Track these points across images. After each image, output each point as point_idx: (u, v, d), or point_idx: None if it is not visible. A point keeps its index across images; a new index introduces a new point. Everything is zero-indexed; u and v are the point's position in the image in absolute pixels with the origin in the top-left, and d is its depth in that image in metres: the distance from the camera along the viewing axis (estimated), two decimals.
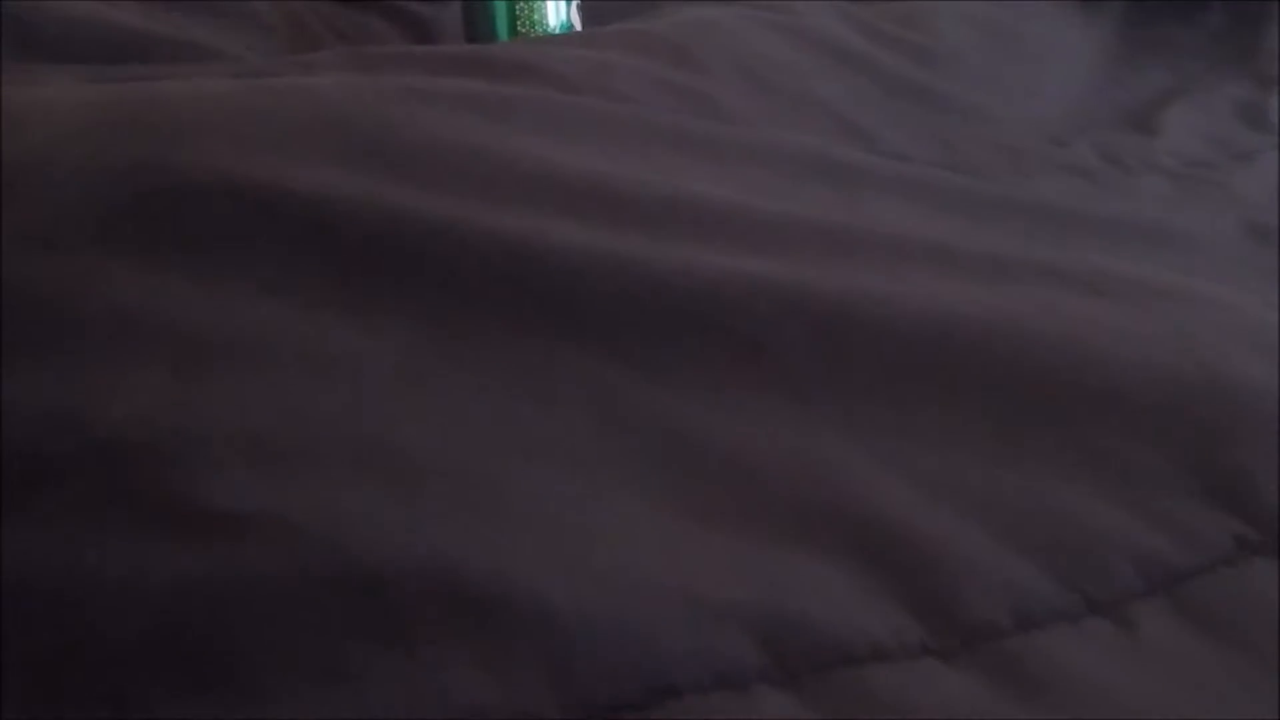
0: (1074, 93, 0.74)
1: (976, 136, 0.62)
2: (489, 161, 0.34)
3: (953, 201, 0.49)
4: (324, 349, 0.27)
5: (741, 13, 0.60)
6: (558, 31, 0.67)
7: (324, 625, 0.21)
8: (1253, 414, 0.31)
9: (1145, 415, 0.31)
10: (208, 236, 0.29)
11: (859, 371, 0.30)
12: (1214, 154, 0.68)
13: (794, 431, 0.28)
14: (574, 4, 0.69)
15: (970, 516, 0.27)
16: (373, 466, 0.24)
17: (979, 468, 0.29)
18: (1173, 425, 0.31)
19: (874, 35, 0.64)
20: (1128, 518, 0.28)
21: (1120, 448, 0.30)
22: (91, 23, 0.52)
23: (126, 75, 0.43)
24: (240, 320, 0.27)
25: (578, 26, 0.69)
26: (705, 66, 0.53)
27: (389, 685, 0.21)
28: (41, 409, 0.25)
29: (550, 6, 0.67)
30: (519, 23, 0.67)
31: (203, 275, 0.28)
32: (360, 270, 0.29)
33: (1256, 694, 0.24)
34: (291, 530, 0.22)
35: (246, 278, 0.28)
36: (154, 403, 0.25)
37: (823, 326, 0.30)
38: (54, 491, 0.24)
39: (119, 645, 0.21)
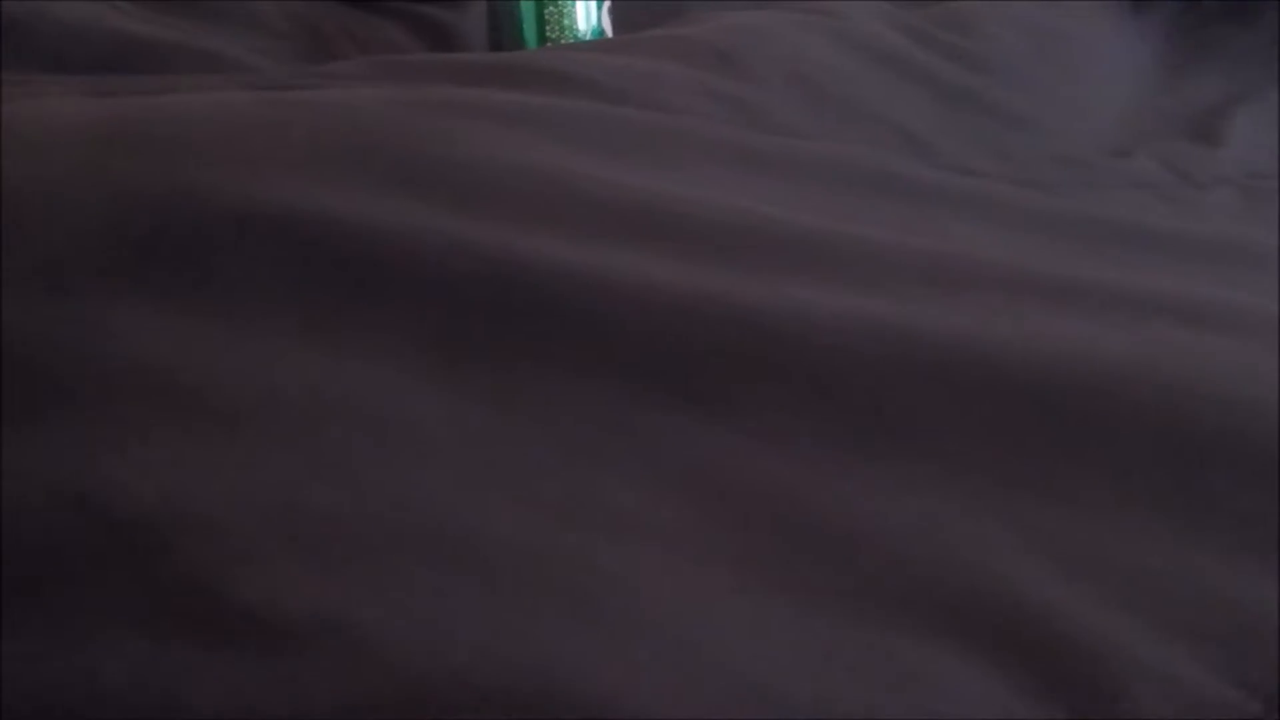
0: (1126, 100, 0.70)
1: (1035, 147, 0.59)
2: (547, 184, 0.31)
3: (1027, 220, 0.46)
4: (377, 410, 0.23)
5: (786, 17, 0.56)
6: (588, 36, 0.64)
7: None
8: None
9: None
10: (237, 275, 0.26)
11: (984, 429, 0.26)
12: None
13: (918, 502, 0.25)
14: (605, 7, 0.65)
15: (1122, 599, 0.23)
16: (439, 557, 0.21)
17: (1124, 540, 0.25)
18: None
19: (920, 39, 0.60)
20: None
21: (1272, 511, 0.26)
22: (93, 28, 0.48)
23: (134, 87, 0.39)
24: (279, 376, 0.24)
25: (609, 31, 0.65)
26: (754, 74, 0.49)
27: None
28: (48, 484, 0.21)
29: (580, 10, 0.63)
30: (548, 28, 0.63)
31: (234, 321, 0.25)
32: (416, 315, 0.26)
33: None
34: (350, 640, 0.19)
35: (285, 324, 0.25)
36: (181, 476, 0.21)
37: (941, 377, 0.26)
38: (64, 586, 0.20)
39: None
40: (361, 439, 0.22)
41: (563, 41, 0.63)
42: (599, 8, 0.64)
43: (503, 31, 0.64)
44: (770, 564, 0.23)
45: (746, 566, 0.22)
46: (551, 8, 0.63)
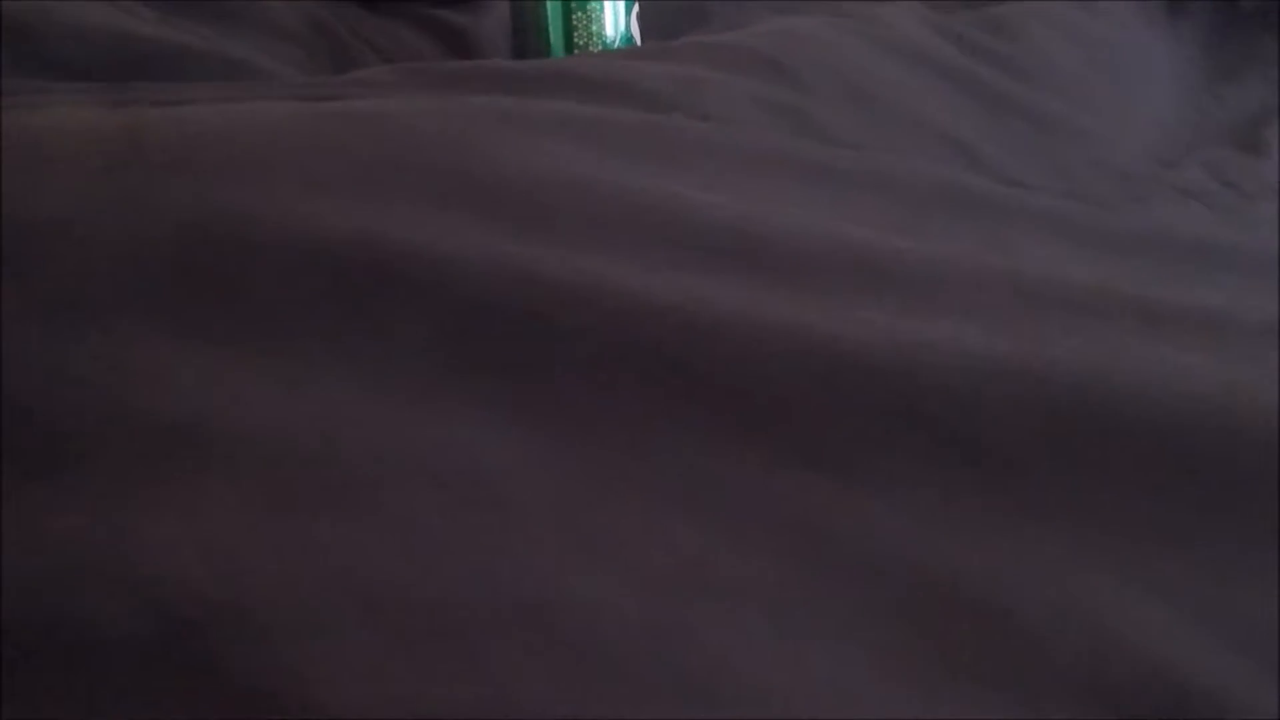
0: (1168, 107, 0.68)
1: (1085, 158, 0.56)
2: (616, 204, 0.28)
3: (1097, 238, 0.43)
4: (457, 470, 0.20)
5: (830, 23, 0.53)
6: (617, 43, 0.61)
7: None
8: None
9: None
10: (284, 313, 0.23)
11: (1115, 475, 0.23)
12: None
13: (1044, 561, 0.22)
14: (634, 13, 0.62)
15: (1243, 647, 0.21)
16: (538, 640, 0.18)
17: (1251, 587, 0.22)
18: None
19: (962, 45, 0.58)
20: None
21: None
22: (101, 31, 0.45)
23: (154, 95, 0.36)
24: (336, 429, 0.21)
25: (637, 37, 0.62)
26: (802, 82, 0.46)
27: None
28: (75, 559, 0.18)
29: (609, 15, 0.60)
30: (576, 34, 0.60)
31: (282, 366, 0.22)
32: (487, 358, 0.23)
33: None
34: None
35: (344, 368, 0.22)
36: (236, 555, 0.18)
37: (1067, 421, 0.24)
38: (97, 681, 0.17)
39: None
40: (443, 505, 0.19)
41: (591, 48, 0.60)
42: (627, 12, 0.61)
43: (526, 37, 0.62)
44: (893, 633, 0.20)
45: (869, 637, 0.20)
46: (580, 13, 0.60)
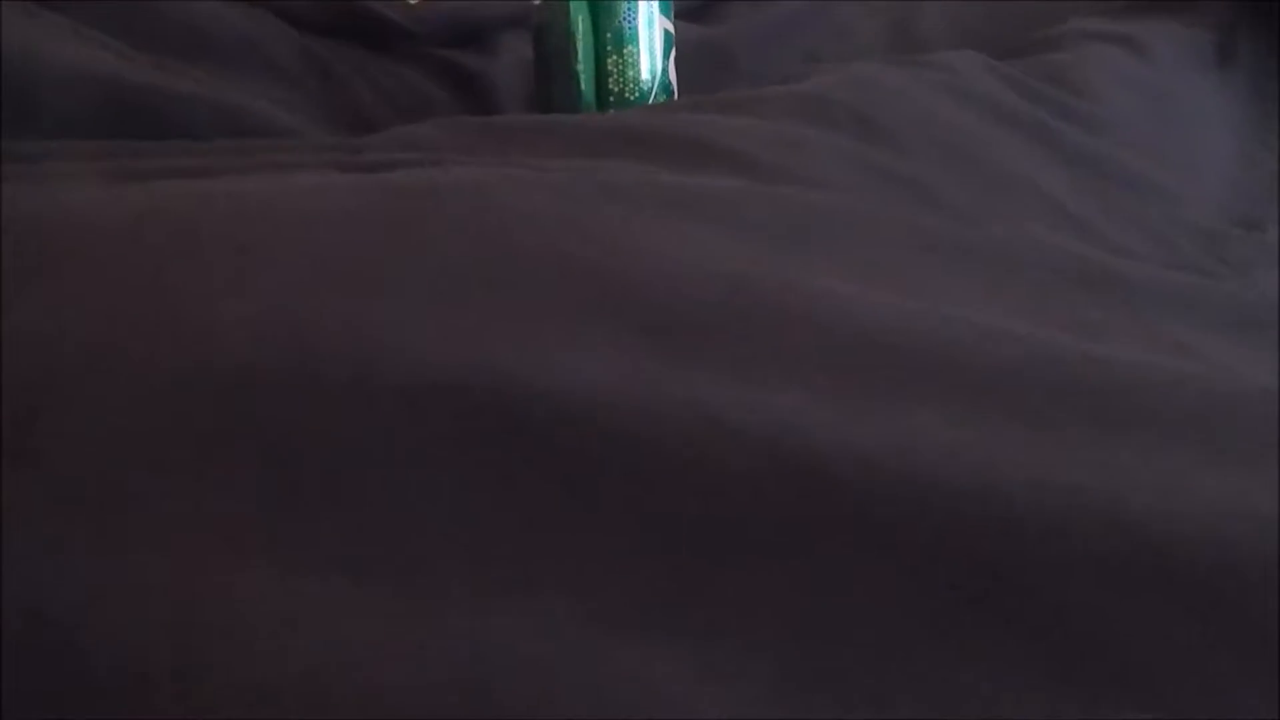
0: (1229, 157, 0.63)
1: (1168, 217, 0.51)
2: (777, 309, 0.22)
3: (1221, 319, 0.38)
4: (636, 693, 0.14)
5: (901, 72, 0.48)
6: (653, 89, 0.55)
7: None
8: None
9: None
10: (400, 488, 0.16)
11: None
12: None
13: None
14: (671, 58, 0.56)
15: None
16: None
17: None
18: None
19: (1033, 97, 0.53)
20: None
21: None
22: (96, 80, 0.38)
23: (168, 162, 0.29)
24: (491, 656, 0.14)
25: (673, 81, 0.57)
26: (897, 140, 0.40)
27: None
28: None
29: (644, 60, 0.55)
30: (610, 79, 0.54)
31: (411, 594, 0.15)
32: (668, 536, 0.16)
33: None
34: None
35: (477, 580, 0.15)
36: None
37: None
38: None
39: None
40: None
41: (626, 95, 0.54)
42: (665, 57, 0.56)
43: (553, 84, 0.56)
44: None
45: None
46: (615, 58, 0.54)
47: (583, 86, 0.54)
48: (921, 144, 0.41)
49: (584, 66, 0.54)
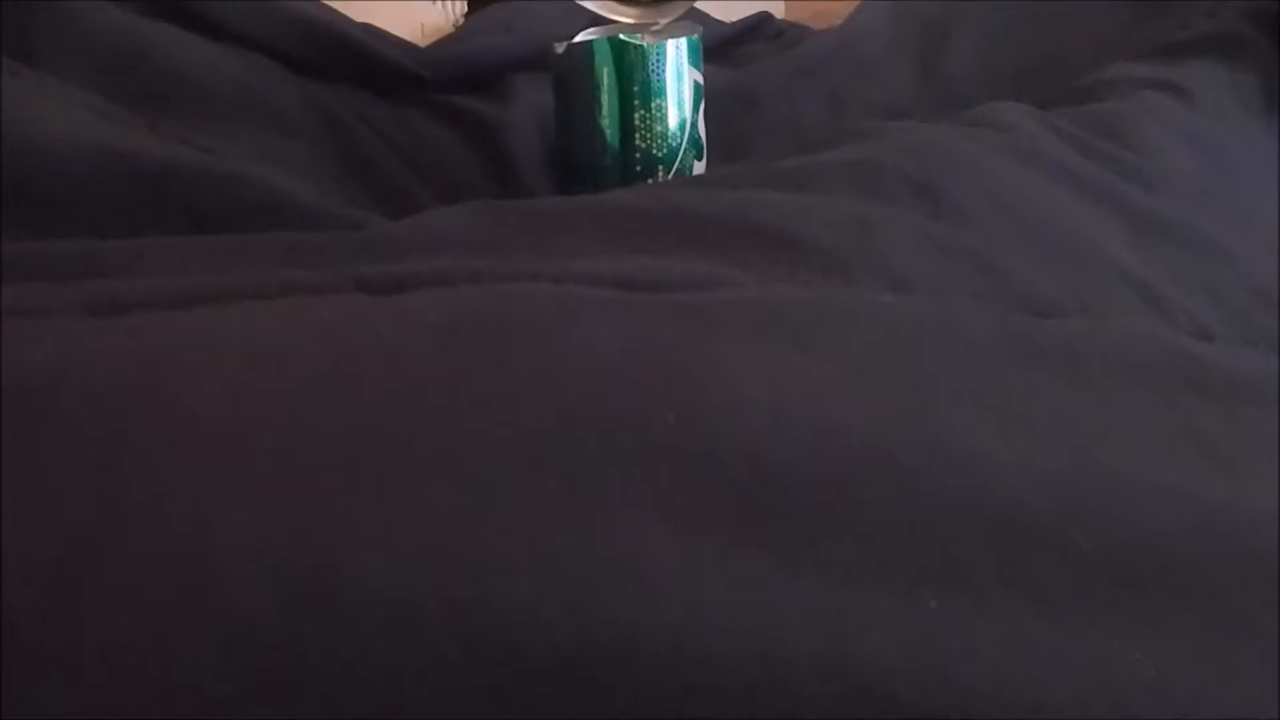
0: (1273, 214, 0.59)
1: (1236, 283, 0.47)
2: (900, 476, 0.18)
3: None
4: None
5: (954, 131, 0.44)
6: (680, 140, 0.51)
7: None
8: None
9: None
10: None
11: None
12: None
13: None
14: (700, 110, 0.52)
15: None
16: None
17: None
18: None
19: (1091, 154, 0.49)
20: None
21: None
22: (99, 154, 0.34)
23: (166, 282, 0.24)
24: None
25: (702, 135, 0.52)
26: (966, 214, 0.36)
27: None
28: None
29: (672, 113, 0.50)
30: (637, 134, 0.50)
31: None
32: None
33: None
34: None
35: None
36: None
37: None
38: None
39: None
40: None
41: (654, 150, 0.50)
42: (694, 109, 0.51)
43: (575, 138, 0.51)
44: None
45: None
46: (642, 111, 0.50)
47: (608, 142, 0.50)
48: (989, 216, 0.37)
49: (609, 121, 0.50)
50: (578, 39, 0.52)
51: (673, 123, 0.50)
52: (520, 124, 0.60)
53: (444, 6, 0.69)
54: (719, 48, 0.75)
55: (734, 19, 0.83)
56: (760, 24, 0.80)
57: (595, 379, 0.18)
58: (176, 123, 0.48)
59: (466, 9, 0.71)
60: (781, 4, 1.09)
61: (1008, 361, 0.27)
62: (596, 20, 0.55)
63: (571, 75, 0.51)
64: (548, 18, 0.67)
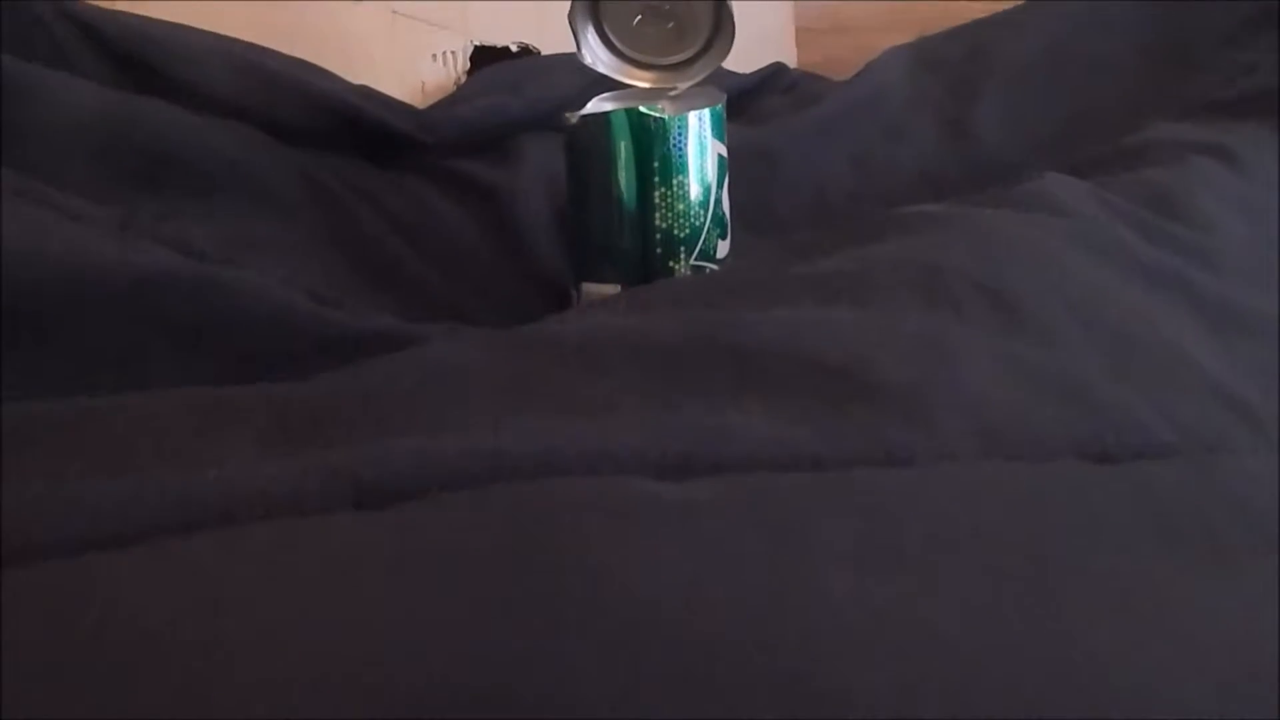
0: None
1: None
2: None
3: None
4: None
5: (1014, 218, 0.39)
6: (703, 220, 0.46)
7: None
8: None
9: None
10: None
11: None
12: None
13: None
14: (725, 186, 0.48)
15: None
16: None
17: None
18: None
19: (1152, 235, 0.44)
20: None
21: None
22: (58, 267, 0.29)
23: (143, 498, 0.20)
24: None
25: (727, 213, 0.48)
26: (1040, 322, 0.32)
27: None
28: None
29: (694, 189, 0.46)
30: (658, 214, 0.45)
31: None
32: None
33: None
34: None
35: None
36: None
37: None
38: None
39: None
40: None
41: (676, 231, 0.45)
42: (719, 185, 0.47)
43: (589, 213, 0.47)
44: None
45: None
46: (663, 189, 0.45)
47: (626, 222, 0.45)
48: (1069, 327, 0.32)
49: (627, 199, 0.45)
50: (592, 109, 0.48)
51: (695, 200, 0.46)
52: (528, 190, 0.56)
53: (446, 64, 0.65)
54: (733, 101, 0.71)
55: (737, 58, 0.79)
56: (774, 75, 0.75)
57: (664, 634, 0.13)
58: (160, 205, 0.44)
59: (469, 66, 0.67)
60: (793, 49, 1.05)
61: (1133, 537, 0.22)
62: (609, 82, 0.50)
63: (586, 149, 0.46)
64: (556, 75, 0.62)
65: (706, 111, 0.46)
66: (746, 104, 0.71)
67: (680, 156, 0.45)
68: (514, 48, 0.69)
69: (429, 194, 0.55)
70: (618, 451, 0.20)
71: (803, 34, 1.08)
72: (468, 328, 0.44)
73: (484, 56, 0.67)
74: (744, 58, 0.76)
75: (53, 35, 0.44)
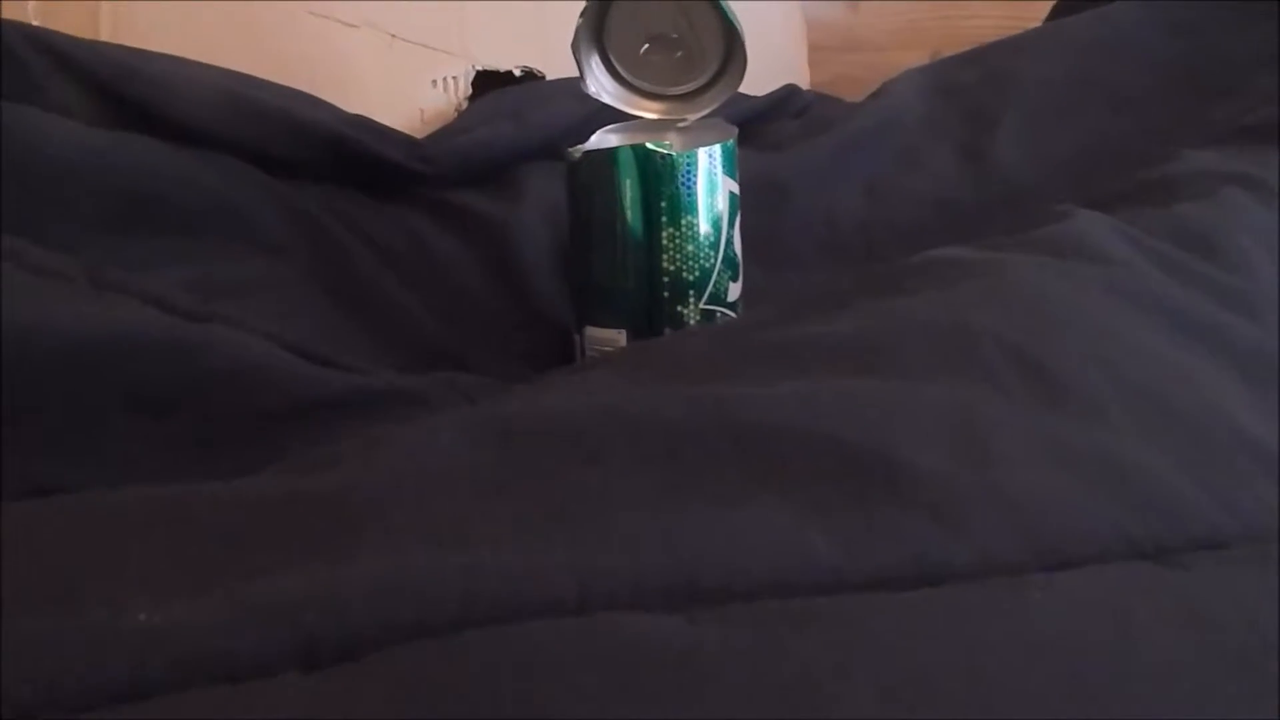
0: None
1: None
2: None
3: None
4: None
5: (1048, 269, 0.36)
6: (713, 262, 0.43)
7: None
8: None
9: None
10: None
11: None
12: None
13: None
14: (737, 225, 0.45)
15: None
16: None
17: None
18: None
19: (1188, 278, 0.41)
20: None
21: None
22: (19, 331, 0.27)
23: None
24: None
25: (738, 253, 0.45)
26: (1090, 400, 0.29)
27: None
28: None
29: (704, 228, 0.43)
30: (666, 256, 0.43)
31: None
32: None
33: None
34: None
35: None
36: None
37: None
38: None
39: None
40: None
41: (685, 274, 0.42)
42: (730, 224, 0.44)
43: (593, 253, 0.44)
44: None
45: None
46: (670, 229, 0.42)
47: (630, 265, 0.43)
48: (1112, 397, 0.29)
49: (632, 239, 0.42)
50: (596, 142, 0.45)
51: (705, 241, 0.43)
52: (529, 223, 0.53)
53: (446, 90, 0.62)
54: (744, 126, 0.68)
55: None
56: (787, 98, 0.72)
57: None
58: (139, 248, 0.41)
59: (471, 91, 0.64)
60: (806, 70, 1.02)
61: (1187, 661, 0.19)
62: (615, 110, 0.48)
63: (588, 186, 0.44)
64: (560, 102, 0.60)
65: (717, 147, 0.43)
66: (758, 129, 0.68)
67: (689, 196, 0.42)
68: (517, 72, 0.67)
69: (425, 227, 0.53)
70: (611, 579, 0.17)
71: (815, 52, 1.06)
72: (464, 376, 0.42)
73: (486, 81, 0.65)
74: (755, 77, 0.73)
75: (26, 69, 0.41)
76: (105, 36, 0.53)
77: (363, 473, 0.22)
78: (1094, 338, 0.31)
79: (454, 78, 0.62)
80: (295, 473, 0.23)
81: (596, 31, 0.46)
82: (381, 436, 0.24)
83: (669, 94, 0.48)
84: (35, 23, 0.51)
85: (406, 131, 0.57)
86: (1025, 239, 0.40)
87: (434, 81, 0.61)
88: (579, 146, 0.45)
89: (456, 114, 0.62)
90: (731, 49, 0.46)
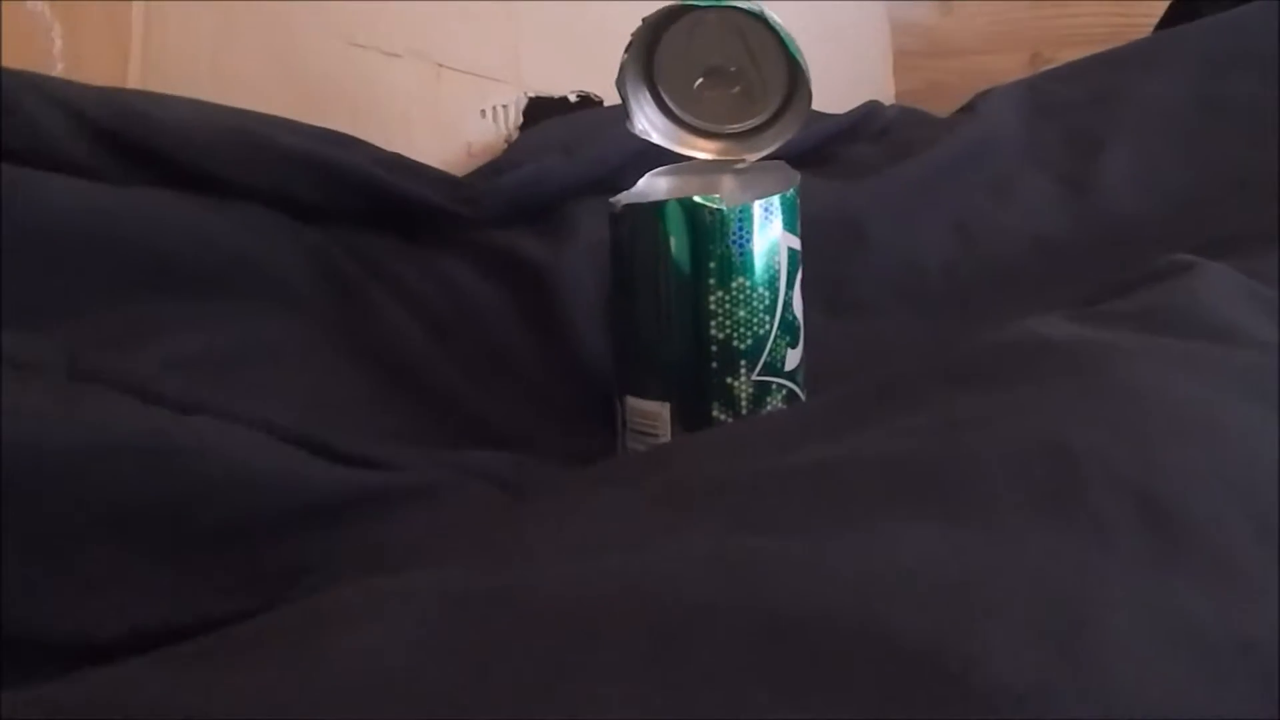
0: None
1: None
2: None
3: None
4: None
5: (1169, 355, 0.30)
6: (769, 329, 0.38)
7: None
8: None
9: None
10: None
11: None
12: None
13: None
14: (797, 285, 0.39)
15: None
16: None
17: None
18: None
19: None
20: None
21: None
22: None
23: None
24: None
25: (799, 315, 0.40)
26: (1212, 548, 0.23)
27: None
28: None
29: (760, 291, 0.38)
30: (714, 322, 0.37)
31: None
32: None
33: None
34: None
35: None
36: None
37: None
38: None
39: None
40: None
41: (735, 341, 0.37)
42: (789, 285, 0.39)
43: (637, 310, 0.39)
44: None
45: None
46: (719, 292, 0.37)
47: (676, 330, 0.38)
48: (1242, 544, 0.23)
49: (677, 303, 0.37)
50: (641, 192, 0.40)
51: (760, 305, 0.38)
52: (578, 266, 0.48)
53: (496, 121, 0.58)
54: (819, 148, 0.62)
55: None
56: (866, 117, 0.66)
57: None
58: (148, 316, 0.38)
59: (523, 120, 0.60)
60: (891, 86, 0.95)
61: None
62: (668, 153, 0.43)
63: (631, 242, 0.39)
64: (615, 132, 0.55)
65: (775, 199, 0.38)
66: (831, 152, 0.62)
67: (742, 255, 0.37)
68: (573, 97, 0.62)
69: (464, 273, 0.48)
70: None
71: (901, 58, 0.98)
72: (481, 456, 0.37)
73: (540, 109, 0.60)
74: (832, 87, 0.67)
75: (35, 125, 0.38)
76: (138, 74, 0.50)
77: (311, 672, 0.18)
78: (1226, 465, 0.25)
79: (504, 106, 0.58)
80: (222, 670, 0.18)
81: (646, 64, 0.41)
82: (328, 619, 0.19)
83: (725, 132, 0.42)
84: (60, 66, 0.48)
85: (452, 167, 0.53)
86: (1136, 308, 0.34)
87: (483, 111, 0.57)
88: (621, 195, 0.40)
89: (505, 145, 0.58)
90: (794, 83, 0.40)
